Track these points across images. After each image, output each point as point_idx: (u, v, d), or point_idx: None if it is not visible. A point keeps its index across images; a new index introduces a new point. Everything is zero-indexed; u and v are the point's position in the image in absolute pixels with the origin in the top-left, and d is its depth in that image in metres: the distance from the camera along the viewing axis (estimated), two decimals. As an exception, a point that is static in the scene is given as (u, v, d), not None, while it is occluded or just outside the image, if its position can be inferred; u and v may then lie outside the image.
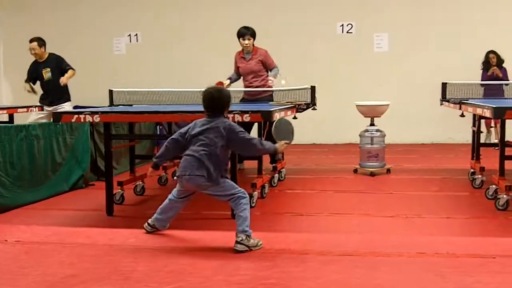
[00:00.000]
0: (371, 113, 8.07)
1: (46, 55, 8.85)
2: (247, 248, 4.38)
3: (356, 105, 8.15)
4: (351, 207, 5.96)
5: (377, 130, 7.98)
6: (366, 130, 8.00)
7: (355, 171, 8.07)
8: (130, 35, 12.85)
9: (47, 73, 8.75)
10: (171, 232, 4.67)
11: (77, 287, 3.65)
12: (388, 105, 8.12)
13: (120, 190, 6.24)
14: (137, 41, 12.84)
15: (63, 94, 8.89)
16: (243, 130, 4.63)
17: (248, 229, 4.44)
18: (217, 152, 4.54)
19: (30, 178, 6.33)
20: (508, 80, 9.88)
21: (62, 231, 5.13)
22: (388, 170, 8.02)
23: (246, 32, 7.91)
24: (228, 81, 7.98)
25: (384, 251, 4.33)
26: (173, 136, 4.74)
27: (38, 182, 6.48)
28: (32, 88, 8.89)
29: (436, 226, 5.15)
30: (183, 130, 4.71)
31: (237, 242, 4.39)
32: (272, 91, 7.82)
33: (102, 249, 4.55)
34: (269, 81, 7.86)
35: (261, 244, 4.49)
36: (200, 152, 4.52)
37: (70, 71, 8.74)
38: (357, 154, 8.21)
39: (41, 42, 8.79)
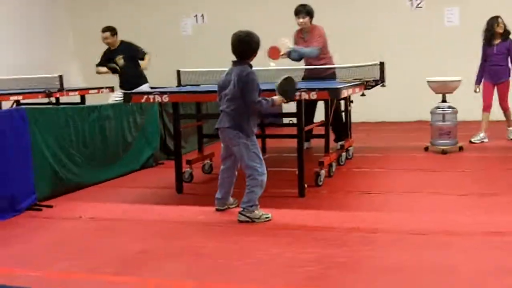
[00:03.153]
0: (443, 89, 7.83)
1: (118, 43, 9.00)
2: (248, 219, 4.57)
3: (427, 81, 7.93)
4: (422, 185, 5.82)
5: (449, 107, 7.75)
6: (438, 107, 7.78)
7: (426, 149, 7.88)
8: (196, 15, 12.93)
9: (120, 60, 8.92)
10: (239, 210, 4.70)
11: (150, 263, 3.74)
12: (460, 81, 7.87)
13: (188, 169, 6.33)
14: (203, 21, 12.91)
15: (139, 79, 8.97)
16: (254, 87, 4.57)
17: (250, 207, 4.58)
18: (243, 105, 4.60)
19: (102, 157, 6.50)
20: None
21: (134, 208, 5.26)
22: (461, 148, 7.79)
23: (301, 10, 7.63)
24: (287, 49, 7.59)
25: (457, 230, 4.21)
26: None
27: (110, 161, 6.65)
28: (112, 68, 9.02)
29: (511, 205, 4.97)
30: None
31: (239, 213, 4.61)
32: (334, 68, 7.65)
33: (173, 226, 4.63)
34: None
35: (266, 218, 4.61)
36: (227, 108, 4.64)
37: (147, 56, 8.95)
38: (428, 131, 8.01)
39: (113, 31, 8.95)
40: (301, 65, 7.89)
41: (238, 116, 4.63)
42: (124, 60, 8.89)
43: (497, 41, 8.40)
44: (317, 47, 7.58)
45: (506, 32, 8.38)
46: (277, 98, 4.78)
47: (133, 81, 8.92)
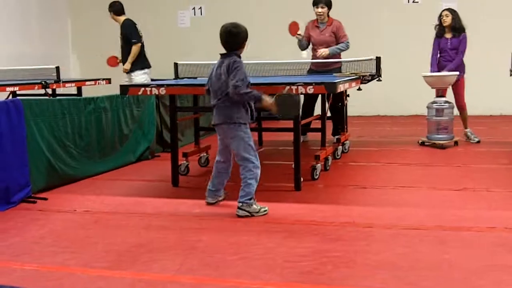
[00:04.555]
0: (439, 84, 7.83)
1: (122, 20, 8.89)
2: (248, 213, 4.55)
3: (423, 76, 7.91)
4: (418, 180, 5.83)
5: (446, 102, 7.75)
6: (434, 102, 7.78)
7: (422, 143, 7.88)
8: (194, 8, 12.89)
9: (120, 40, 8.89)
10: (234, 203, 4.69)
11: (144, 256, 3.73)
12: (456, 75, 7.86)
13: (185, 162, 6.32)
14: (201, 14, 12.87)
15: (133, 64, 8.84)
16: (240, 74, 4.53)
17: (249, 201, 4.57)
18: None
19: (98, 149, 6.49)
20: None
21: (129, 201, 5.25)
22: (456, 143, 7.80)
23: (320, 0, 7.72)
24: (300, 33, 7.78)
25: (452, 225, 4.22)
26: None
27: (106, 153, 6.63)
28: None
29: (506, 200, 4.98)
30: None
31: (238, 208, 4.58)
32: (341, 62, 7.67)
33: (168, 219, 4.63)
34: (320, 53, 7.63)
35: (264, 211, 4.62)
36: (222, 103, 4.64)
37: (134, 47, 8.69)
38: (424, 126, 8.01)
39: (110, 9, 8.86)
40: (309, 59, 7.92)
41: (231, 108, 4.62)
42: (121, 40, 8.82)
43: (450, 35, 7.96)
44: (347, 41, 7.74)
45: (457, 26, 7.88)
46: (268, 99, 4.70)
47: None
